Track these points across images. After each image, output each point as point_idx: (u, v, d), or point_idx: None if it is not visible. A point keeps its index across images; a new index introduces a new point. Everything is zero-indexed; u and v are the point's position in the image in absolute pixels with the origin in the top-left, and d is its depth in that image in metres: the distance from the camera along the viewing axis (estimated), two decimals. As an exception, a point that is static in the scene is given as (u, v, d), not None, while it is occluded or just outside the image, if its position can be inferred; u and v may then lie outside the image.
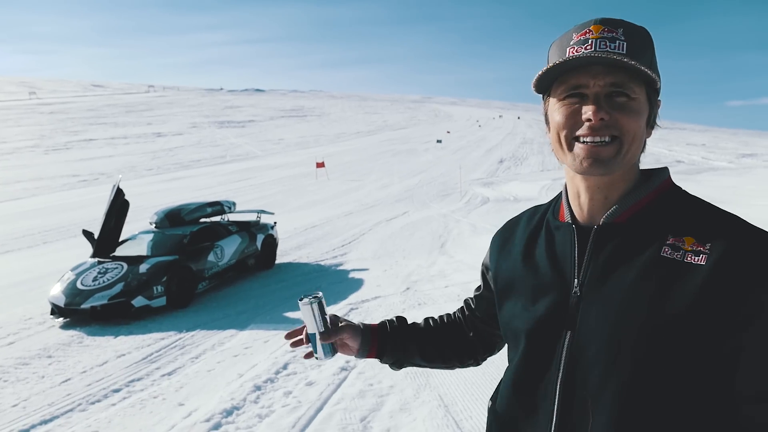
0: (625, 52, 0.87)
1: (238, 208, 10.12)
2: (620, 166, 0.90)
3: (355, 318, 6.23)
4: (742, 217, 0.89)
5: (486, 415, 1.16)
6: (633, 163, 0.93)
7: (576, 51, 0.89)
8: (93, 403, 4.40)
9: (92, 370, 5.11)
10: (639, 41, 0.90)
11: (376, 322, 1.35)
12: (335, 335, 1.26)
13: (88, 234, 7.94)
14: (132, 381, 4.81)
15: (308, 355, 1.30)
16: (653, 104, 0.93)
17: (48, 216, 16.54)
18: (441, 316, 1.37)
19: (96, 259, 7.51)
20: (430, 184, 22.53)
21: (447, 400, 3.98)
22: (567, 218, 1.00)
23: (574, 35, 0.91)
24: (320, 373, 4.63)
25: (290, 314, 6.57)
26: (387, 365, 1.33)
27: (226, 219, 9.67)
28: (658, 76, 0.91)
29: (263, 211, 10.08)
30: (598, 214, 0.96)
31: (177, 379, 4.81)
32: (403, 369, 1.56)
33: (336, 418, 3.73)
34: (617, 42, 0.88)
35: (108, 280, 6.91)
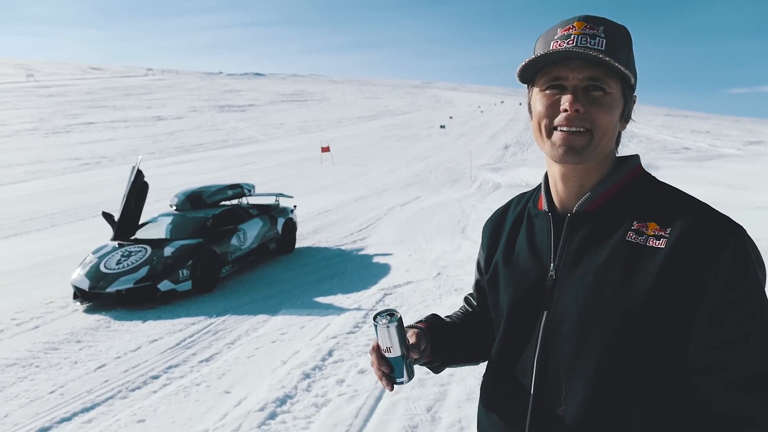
0: (603, 48, 0.92)
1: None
2: (592, 156, 0.95)
3: (392, 303, 6.05)
4: (704, 202, 0.94)
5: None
6: (606, 153, 0.98)
7: (559, 45, 0.95)
8: (133, 390, 4.22)
9: (126, 356, 4.92)
10: (618, 39, 0.95)
11: (420, 318, 1.23)
12: (415, 350, 1.09)
13: (108, 216, 7.71)
14: (170, 367, 4.63)
15: (390, 384, 1.06)
16: (628, 99, 0.99)
17: (53, 199, 16.28)
18: (461, 312, 1.33)
19: (117, 242, 7.29)
20: (437, 170, 22.30)
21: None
22: (545, 207, 1.06)
23: (559, 30, 0.96)
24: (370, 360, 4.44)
25: (320, 299, 6.39)
26: (429, 368, 1.21)
27: (246, 202, 9.46)
28: (634, 74, 0.97)
29: (282, 194, 9.86)
30: (573, 202, 1.02)
31: (217, 365, 4.63)
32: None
33: (400, 407, 3.55)
34: (597, 39, 0.93)
35: (132, 263, 6.70)
